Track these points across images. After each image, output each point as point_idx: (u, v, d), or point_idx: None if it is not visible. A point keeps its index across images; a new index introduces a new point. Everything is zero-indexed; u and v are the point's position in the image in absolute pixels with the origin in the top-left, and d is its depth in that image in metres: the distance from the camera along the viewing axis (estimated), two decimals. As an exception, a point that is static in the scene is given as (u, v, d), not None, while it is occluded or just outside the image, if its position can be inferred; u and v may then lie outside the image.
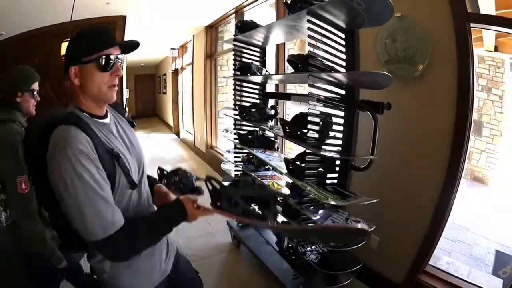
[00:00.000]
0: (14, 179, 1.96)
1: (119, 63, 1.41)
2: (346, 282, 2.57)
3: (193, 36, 8.45)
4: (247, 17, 5.76)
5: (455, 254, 4.34)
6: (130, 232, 1.30)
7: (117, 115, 1.61)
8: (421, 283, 2.79)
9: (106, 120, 1.46)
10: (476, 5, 2.66)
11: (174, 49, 10.81)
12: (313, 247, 2.63)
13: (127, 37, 5.86)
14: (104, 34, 1.40)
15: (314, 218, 2.29)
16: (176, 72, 12.13)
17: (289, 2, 2.40)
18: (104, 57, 1.31)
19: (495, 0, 3.31)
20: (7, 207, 2.08)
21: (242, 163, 3.53)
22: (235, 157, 3.59)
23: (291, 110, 4.57)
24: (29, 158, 1.44)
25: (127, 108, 1.55)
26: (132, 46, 1.47)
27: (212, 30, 7.42)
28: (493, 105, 7.42)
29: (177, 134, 12.33)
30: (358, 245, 2.27)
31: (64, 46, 4.90)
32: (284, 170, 2.55)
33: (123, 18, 5.77)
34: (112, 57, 1.34)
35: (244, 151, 3.53)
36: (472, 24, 2.42)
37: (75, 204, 1.19)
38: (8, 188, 1.99)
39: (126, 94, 6.10)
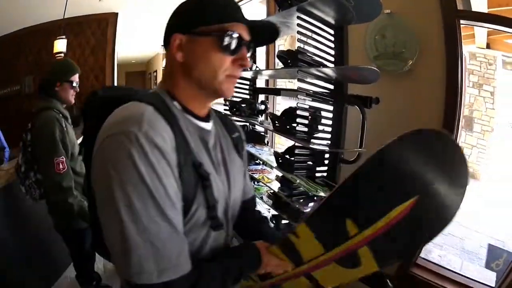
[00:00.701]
0: (51, 160, 2.10)
1: (250, 52, 1.00)
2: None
3: (184, 33, 8.37)
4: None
5: (447, 248, 4.40)
6: (198, 281, 0.85)
7: (222, 128, 1.18)
8: (413, 276, 2.83)
9: (206, 126, 1.03)
10: (468, 3, 2.71)
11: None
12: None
13: (118, 34, 5.87)
14: (235, 5, 0.97)
15: (304, 211, 2.32)
16: (166, 69, 11.99)
17: (279, -1, 2.41)
18: (231, 33, 0.90)
19: (487, -2, 3.38)
20: (41, 185, 2.24)
21: None
22: None
23: (280, 105, 4.58)
24: (84, 139, 1.11)
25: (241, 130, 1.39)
26: (271, 32, 1.08)
27: (204, 26, 7.36)
28: (484, 101, 7.51)
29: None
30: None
31: (57, 43, 4.92)
32: (274, 164, 2.59)
33: (115, 15, 5.79)
34: (244, 36, 0.94)
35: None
36: (462, 21, 2.47)
37: (122, 221, 0.74)
38: (43, 168, 2.17)
39: (117, 91, 6.10)
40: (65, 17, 4.85)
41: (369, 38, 2.84)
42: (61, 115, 2.30)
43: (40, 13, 5.07)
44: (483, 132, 7.60)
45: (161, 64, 12.34)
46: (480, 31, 5.65)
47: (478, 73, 7.42)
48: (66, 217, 2.28)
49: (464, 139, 7.71)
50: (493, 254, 4.14)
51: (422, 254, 2.91)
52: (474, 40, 6.67)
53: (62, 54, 4.97)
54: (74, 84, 2.42)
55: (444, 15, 2.47)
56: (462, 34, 2.51)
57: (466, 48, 7.14)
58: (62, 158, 2.15)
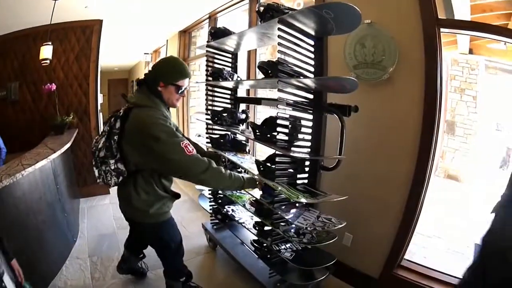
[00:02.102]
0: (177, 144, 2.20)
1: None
2: (322, 278, 2.66)
3: (167, 40, 8.47)
4: (220, 22, 5.84)
5: (432, 249, 4.45)
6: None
7: None
8: (398, 277, 2.88)
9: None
10: (451, 10, 2.77)
11: (148, 53, 10.77)
12: (287, 245, 2.73)
13: (102, 41, 5.86)
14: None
15: (286, 217, 2.37)
16: (148, 77, 11.94)
17: (261, 10, 2.47)
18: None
19: (471, 4, 3.44)
20: (120, 174, 2.34)
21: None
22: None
23: (261, 114, 4.66)
24: None
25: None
26: None
27: (186, 35, 7.43)
28: (467, 105, 7.60)
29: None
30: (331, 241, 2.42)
31: (43, 50, 4.89)
32: (256, 171, 2.62)
33: (100, 22, 5.77)
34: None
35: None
36: (443, 29, 2.53)
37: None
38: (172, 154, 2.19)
39: (100, 99, 6.06)
40: (51, 23, 4.82)
41: (348, 48, 2.89)
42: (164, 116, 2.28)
43: (25, 18, 5.02)
44: (465, 135, 7.71)
45: (143, 71, 12.32)
46: (463, 37, 5.72)
47: (460, 78, 7.53)
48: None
49: (446, 143, 7.83)
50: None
51: (406, 256, 2.97)
52: (457, 46, 6.75)
53: (48, 61, 4.93)
54: (182, 88, 2.39)
55: (424, 24, 2.52)
56: (444, 40, 2.57)
57: (449, 54, 7.25)
58: (186, 141, 2.23)
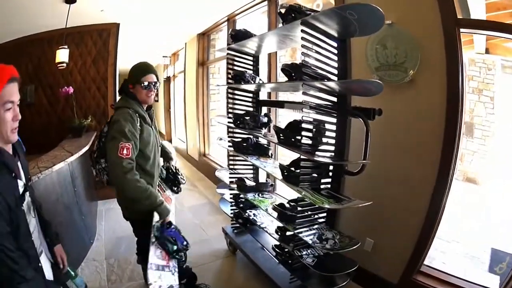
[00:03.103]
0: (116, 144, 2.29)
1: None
2: (343, 284, 2.61)
3: (185, 43, 8.47)
4: (239, 24, 5.81)
5: (450, 254, 4.39)
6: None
7: None
8: (417, 283, 2.83)
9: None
10: (467, 10, 2.72)
11: (166, 56, 10.82)
12: (309, 250, 2.69)
13: (120, 45, 5.89)
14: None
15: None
16: (168, 80, 12.14)
17: (283, 12, 2.44)
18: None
19: (486, 3, 3.38)
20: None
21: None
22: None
23: (282, 117, 4.63)
24: None
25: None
26: None
27: (204, 38, 7.44)
28: (485, 106, 7.49)
29: (170, 142, 12.34)
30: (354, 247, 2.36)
31: (59, 53, 4.92)
32: (280, 177, 2.58)
33: (117, 25, 5.80)
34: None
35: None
36: (462, 30, 2.48)
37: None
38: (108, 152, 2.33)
39: (119, 102, 6.10)
40: (67, 27, 4.85)
41: (370, 49, 2.86)
42: (137, 114, 2.44)
43: (41, 22, 5.06)
44: (483, 137, 7.59)
45: (162, 75, 12.38)
46: (479, 37, 5.63)
47: (478, 79, 7.41)
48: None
49: (465, 145, 7.72)
50: (496, 257, 4.13)
51: (426, 262, 2.90)
52: (473, 46, 6.66)
53: (65, 64, 4.97)
54: (145, 84, 2.52)
55: (444, 24, 2.47)
56: (462, 40, 2.52)
57: (466, 55, 7.15)
58: (129, 144, 2.28)
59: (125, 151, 2.25)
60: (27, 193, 1.56)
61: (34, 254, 1.56)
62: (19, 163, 1.57)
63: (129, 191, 2.28)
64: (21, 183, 1.50)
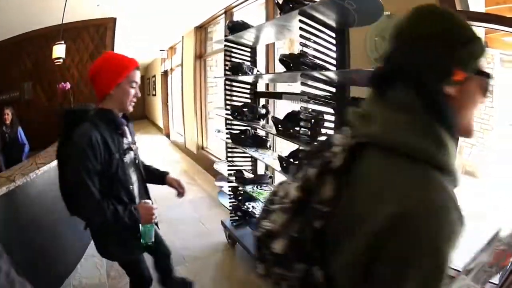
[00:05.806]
0: None
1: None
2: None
3: (182, 37, 8.43)
4: (236, 16, 5.77)
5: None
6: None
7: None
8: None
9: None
10: (465, 2, 2.69)
11: (163, 50, 10.78)
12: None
13: (117, 39, 5.86)
14: None
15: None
16: (165, 74, 12.10)
17: (280, 2, 2.42)
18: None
19: (485, -3, 3.35)
20: None
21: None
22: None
23: (280, 109, 4.59)
24: None
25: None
26: None
27: (202, 30, 7.41)
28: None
29: (168, 136, 12.34)
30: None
31: (55, 49, 4.90)
32: (278, 168, 2.57)
33: (113, 20, 5.77)
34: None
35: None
36: (461, 22, 2.46)
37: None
38: None
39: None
40: (63, 22, 4.82)
41: (369, 40, 2.83)
42: None
43: (38, 19, 5.04)
44: (482, 130, 7.58)
45: (159, 68, 12.36)
46: (478, 30, 5.62)
47: (477, 72, 7.42)
48: None
49: (463, 138, 7.71)
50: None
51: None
52: (472, 38, 6.65)
53: (61, 60, 4.94)
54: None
55: (444, 16, 2.46)
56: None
57: (464, 48, 7.13)
58: None
59: None
60: (132, 152, 2.02)
61: (130, 200, 1.94)
62: (126, 128, 2.02)
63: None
64: (126, 141, 1.98)
